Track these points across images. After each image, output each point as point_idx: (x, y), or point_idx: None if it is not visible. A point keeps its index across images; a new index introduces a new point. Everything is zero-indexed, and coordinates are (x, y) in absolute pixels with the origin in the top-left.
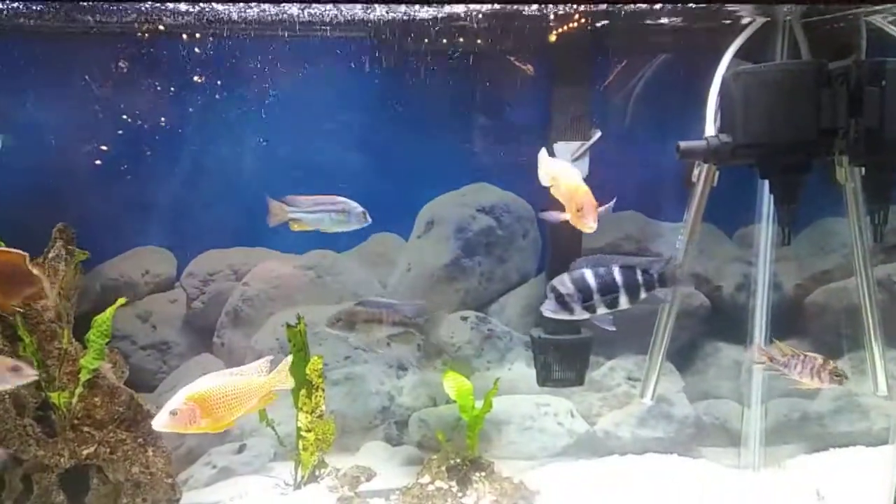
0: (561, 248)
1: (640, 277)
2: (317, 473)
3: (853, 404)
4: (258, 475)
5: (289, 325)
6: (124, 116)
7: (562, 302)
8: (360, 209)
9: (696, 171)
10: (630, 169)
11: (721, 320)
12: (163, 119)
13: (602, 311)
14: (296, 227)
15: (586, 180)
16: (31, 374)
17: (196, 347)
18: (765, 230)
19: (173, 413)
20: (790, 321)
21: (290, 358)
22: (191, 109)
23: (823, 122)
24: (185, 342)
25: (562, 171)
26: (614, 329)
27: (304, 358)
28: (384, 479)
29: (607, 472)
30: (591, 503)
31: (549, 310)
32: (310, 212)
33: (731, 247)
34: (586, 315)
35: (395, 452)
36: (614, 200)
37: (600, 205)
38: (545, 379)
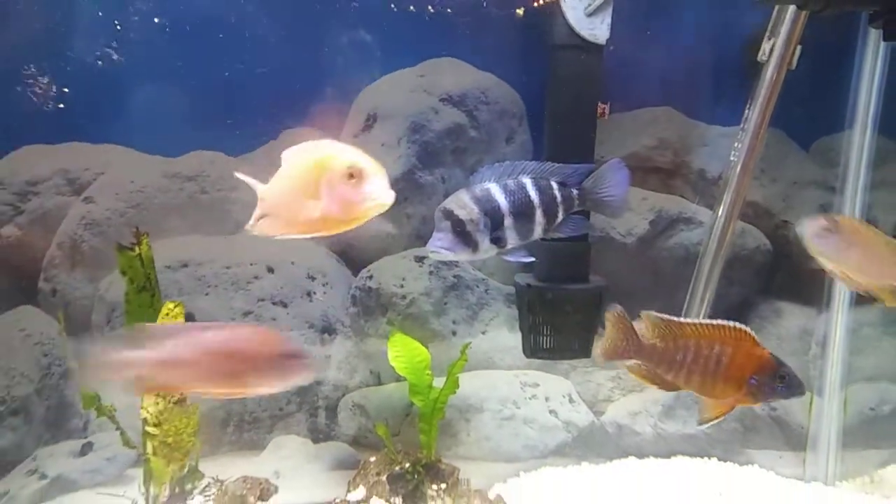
0: (564, 156)
1: (557, 193)
2: (187, 488)
3: None
4: (110, 489)
5: (120, 248)
6: None
7: (461, 233)
8: None
9: (765, 44)
10: (665, 39)
11: (787, 270)
12: None
13: (514, 242)
14: None
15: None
16: None
17: (9, 297)
18: (858, 139)
19: None
20: None
21: None
22: None
23: None
24: None
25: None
26: (532, 259)
27: (150, 303)
28: (296, 492)
29: (619, 481)
30: None
31: (441, 247)
32: None
33: (806, 164)
34: (493, 252)
35: (317, 452)
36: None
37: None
38: (535, 348)
